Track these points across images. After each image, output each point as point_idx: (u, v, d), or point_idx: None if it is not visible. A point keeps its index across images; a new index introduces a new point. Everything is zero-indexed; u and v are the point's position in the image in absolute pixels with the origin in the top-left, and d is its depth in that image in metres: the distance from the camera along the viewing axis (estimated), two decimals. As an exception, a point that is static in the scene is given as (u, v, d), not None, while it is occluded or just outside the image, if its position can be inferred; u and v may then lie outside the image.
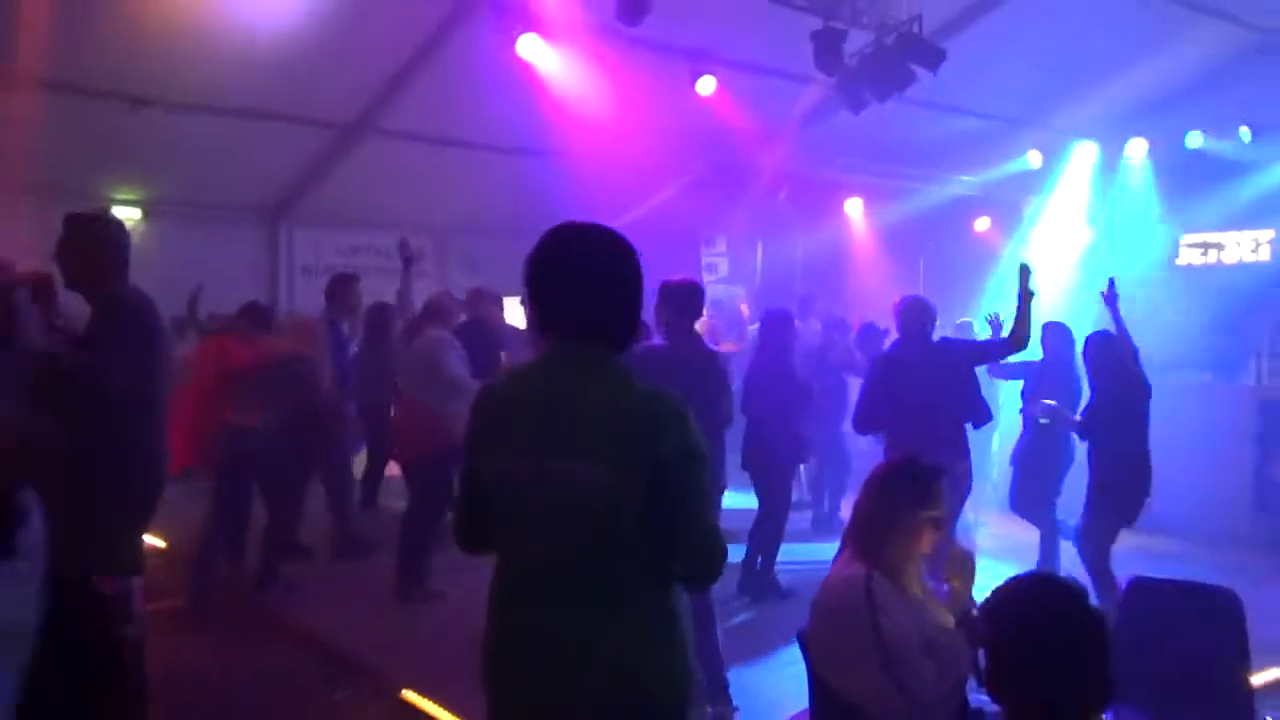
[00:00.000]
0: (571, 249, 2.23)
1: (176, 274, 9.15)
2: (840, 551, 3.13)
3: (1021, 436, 7.05)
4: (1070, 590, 1.98)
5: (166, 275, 9.30)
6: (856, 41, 7.60)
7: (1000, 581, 2.17)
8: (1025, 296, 5.58)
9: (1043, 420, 6.63)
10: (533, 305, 2.26)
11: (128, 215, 9.86)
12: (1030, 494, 6.83)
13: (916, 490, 3.04)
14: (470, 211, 11.06)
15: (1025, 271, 5.62)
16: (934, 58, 7.41)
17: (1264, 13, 8.74)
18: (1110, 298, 5.99)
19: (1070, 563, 6.15)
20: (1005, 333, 6.07)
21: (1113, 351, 5.94)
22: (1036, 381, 6.97)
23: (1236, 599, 3.71)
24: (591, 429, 2.13)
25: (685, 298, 4.87)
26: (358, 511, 7.60)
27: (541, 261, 2.23)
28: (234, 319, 6.60)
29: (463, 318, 7.11)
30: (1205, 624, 3.69)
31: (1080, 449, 6.24)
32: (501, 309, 7.60)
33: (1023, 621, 1.95)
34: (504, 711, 2.27)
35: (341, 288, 7.36)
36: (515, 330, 7.59)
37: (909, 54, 7.44)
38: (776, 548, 6.69)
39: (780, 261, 11.52)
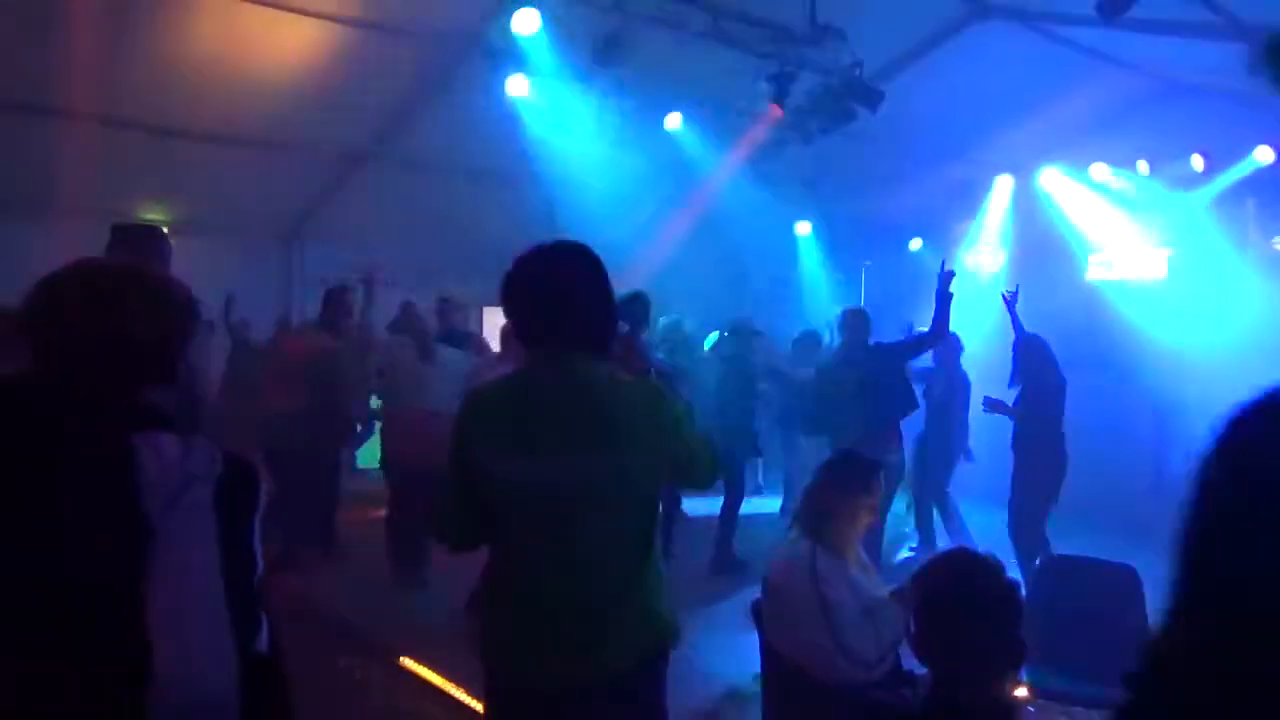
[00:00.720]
0: (542, 266, 2.22)
1: (201, 286, 9.02)
2: (789, 531, 3.15)
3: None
4: (988, 564, 2.00)
5: (192, 287, 9.27)
6: (806, 83, 7.66)
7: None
8: (944, 296, 5.59)
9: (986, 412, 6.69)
10: (513, 319, 2.24)
11: (154, 234, 9.79)
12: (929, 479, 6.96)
13: (857, 480, 3.08)
14: (465, 233, 11.00)
15: (947, 275, 5.64)
16: (874, 99, 7.47)
17: (1157, 61, 8.84)
18: (1010, 300, 6.00)
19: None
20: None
21: (1039, 352, 5.99)
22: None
23: (1135, 574, 3.76)
24: (600, 423, 2.14)
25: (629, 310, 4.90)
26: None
27: (517, 280, 2.23)
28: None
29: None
30: (1108, 596, 3.74)
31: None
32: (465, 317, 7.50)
33: (948, 591, 1.97)
34: (522, 678, 2.20)
35: (336, 298, 7.09)
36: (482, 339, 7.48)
37: (851, 95, 7.49)
38: (734, 529, 6.71)
39: (738, 280, 11.56)
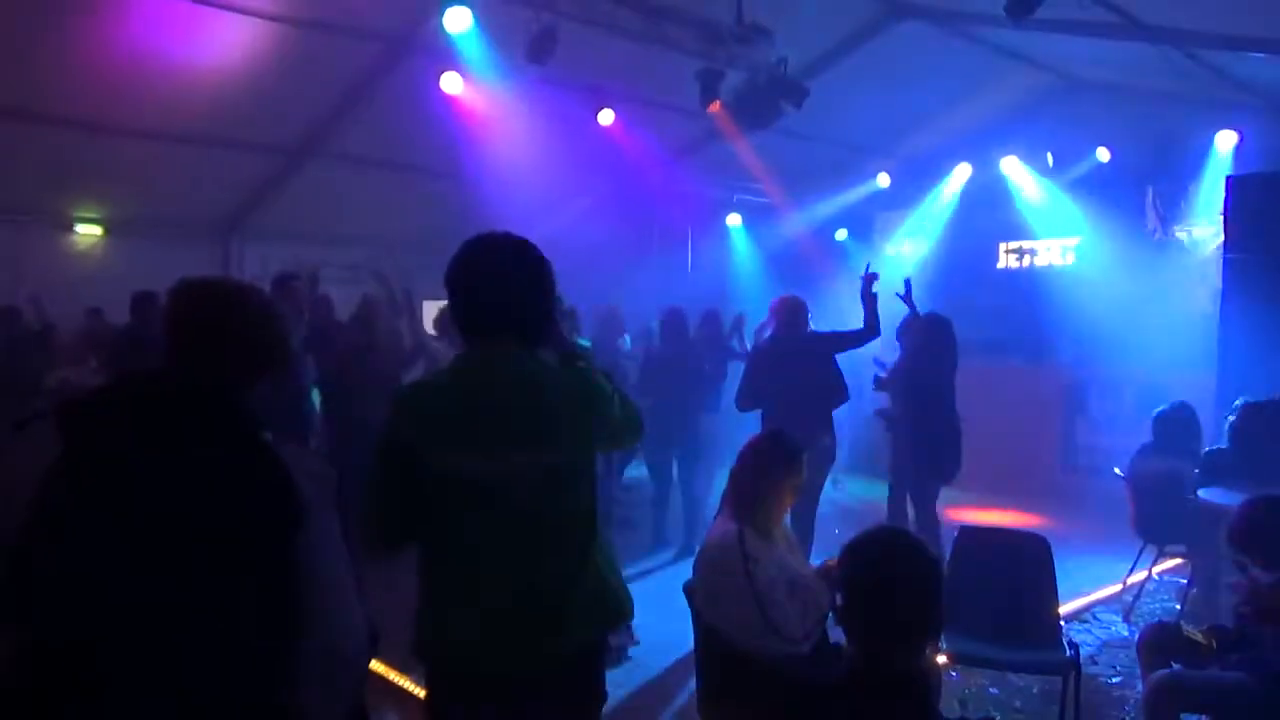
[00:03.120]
0: (484, 256, 2.19)
1: (136, 285, 8.85)
2: (718, 512, 3.15)
3: None
4: (911, 540, 2.02)
5: (127, 286, 9.02)
6: (733, 80, 7.67)
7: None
8: (869, 296, 5.66)
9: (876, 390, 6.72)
10: (454, 309, 2.21)
11: (89, 232, 9.46)
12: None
13: (781, 460, 3.09)
14: (402, 227, 10.83)
15: (870, 277, 5.69)
16: (798, 95, 7.50)
17: (1062, 59, 9.04)
18: (906, 296, 6.01)
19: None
20: None
21: (919, 333, 5.99)
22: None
23: (1045, 543, 3.85)
24: (546, 415, 2.12)
25: None
26: None
27: (459, 269, 2.19)
28: None
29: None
30: (1021, 564, 3.82)
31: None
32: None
33: (872, 569, 1.98)
34: (474, 666, 2.16)
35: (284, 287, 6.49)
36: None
37: (777, 91, 7.51)
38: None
39: (673, 269, 11.57)
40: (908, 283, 5.99)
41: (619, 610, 2.25)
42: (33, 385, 6.08)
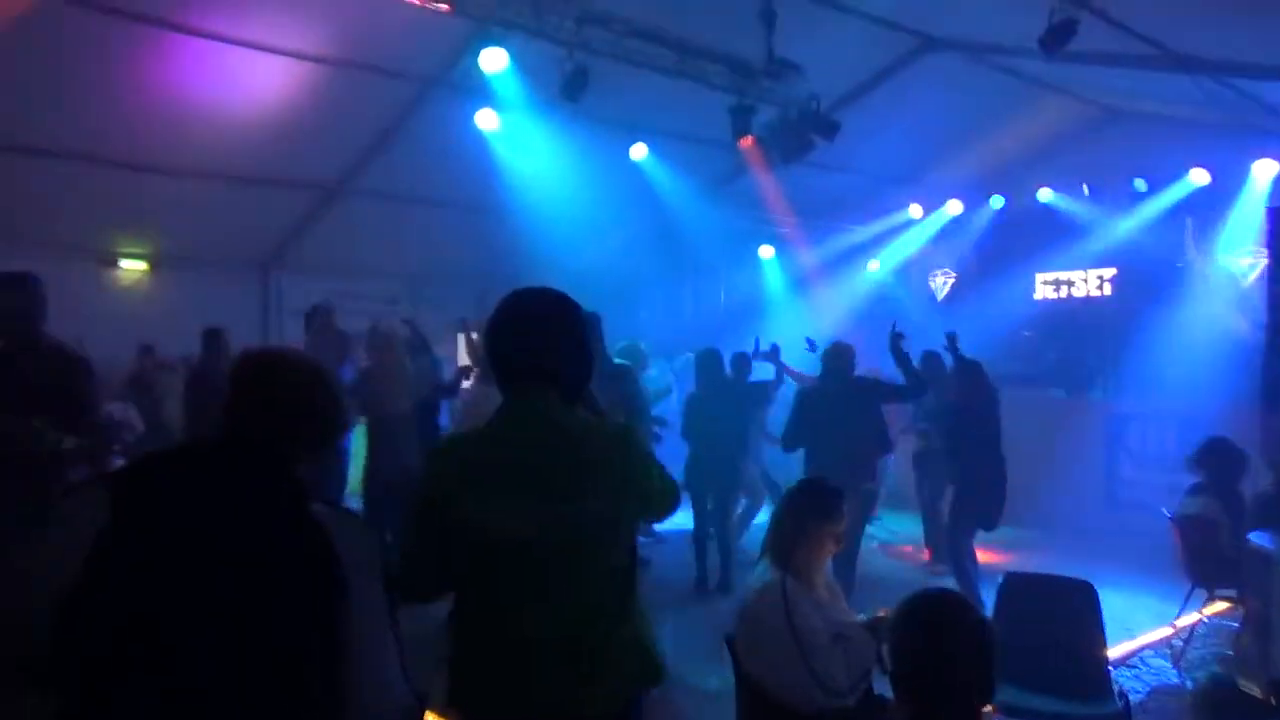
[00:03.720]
0: (525, 309, 2.18)
1: (179, 319, 8.97)
2: (759, 560, 3.08)
3: None
4: (963, 604, 1.95)
5: (171, 321, 9.13)
6: (765, 114, 7.66)
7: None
8: (899, 355, 5.70)
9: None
10: (495, 361, 2.19)
11: (134, 268, 9.61)
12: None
13: (821, 508, 3.02)
14: (436, 260, 10.92)
15: (895, 337, 5.68)
16: (830, 129, 7.46)
17: (1098, 88, 8.94)
18: (951, 348, 5.93)
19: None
20: None
21: (969, 376, 5.92)
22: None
23: (1093, 591, 3.73)
24: (584, 469, 2.08)
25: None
26: None
27: (500, 320, 2.19)
28: None
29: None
30: (1069, 613, 3.70)
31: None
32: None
33: (925, 633, 1.91)
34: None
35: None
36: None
37: (809, 125, 7.48)
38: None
39: (705, 300, 11.53)
40: (953, 335, 5.94)
41: (656, 671, 2.20)
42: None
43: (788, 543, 2.97)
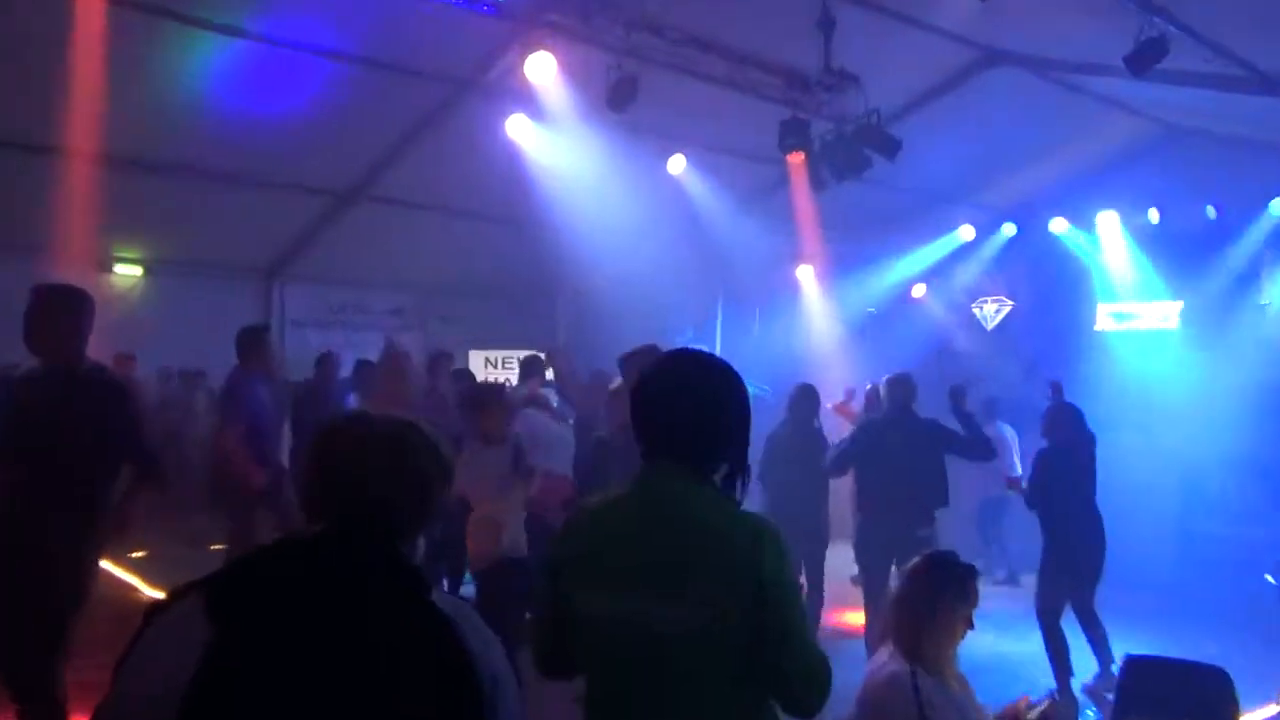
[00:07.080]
0: (684, 376, 2.05)
1: (174, 327, 8.79)
2: (882, 647, 2.90)
3: None
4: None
5: (165, 328, 8.96)
6: (819, 128, 7.53)
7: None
8: (964, 416, 5.68)
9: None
10: (642, 427, 2.05)
11: (128, 273, 9.44)
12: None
13: (955, 588, 2.84)
14: (450, 273, 10.77)
15: (959, 394, 5.68)
16: (891, 147, 7.31)
17: (1163, 106, 8.81)
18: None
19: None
20: None
21: (1069, 427, 5.81)
22: None
23: (1228, 678, 3.55)
24: (693, 556, 1.93)
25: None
26: None
27: (641, 385, 2.07)
28: None
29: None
30: (1202, 705, 3.53)
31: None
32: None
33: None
34: None
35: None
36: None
37: (867, 142, 7.35)
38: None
39: (739, 324, 11.37)
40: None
41: None
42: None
43: (914, 627, 2.79)
